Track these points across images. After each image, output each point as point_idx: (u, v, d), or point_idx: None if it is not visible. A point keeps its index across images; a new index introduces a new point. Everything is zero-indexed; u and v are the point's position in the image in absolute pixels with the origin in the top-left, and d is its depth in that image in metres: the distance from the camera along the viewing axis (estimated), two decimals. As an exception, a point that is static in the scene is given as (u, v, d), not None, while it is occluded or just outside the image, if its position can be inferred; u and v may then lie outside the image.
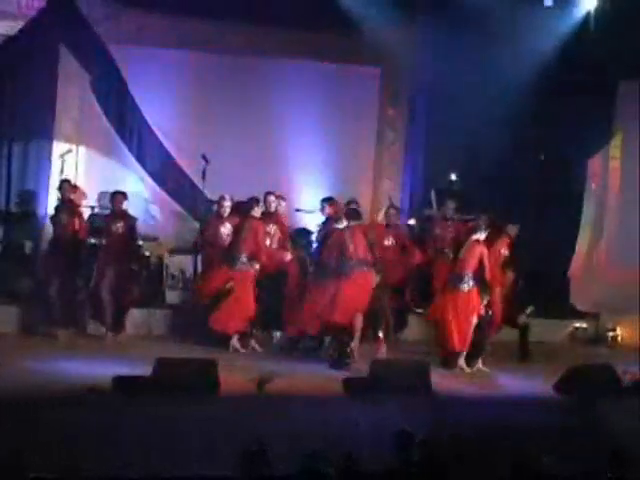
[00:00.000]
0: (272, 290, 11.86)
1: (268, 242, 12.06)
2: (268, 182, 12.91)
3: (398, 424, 7.60)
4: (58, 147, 13.18)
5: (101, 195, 13.01)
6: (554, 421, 9.23)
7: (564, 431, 8.94)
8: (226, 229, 12.21)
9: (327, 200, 12.35)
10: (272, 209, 12.41)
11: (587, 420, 9.38)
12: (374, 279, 11.23)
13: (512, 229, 12.33)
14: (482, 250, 11.14)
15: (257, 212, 11.76)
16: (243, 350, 11.46)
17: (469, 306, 11.06)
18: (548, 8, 13.73)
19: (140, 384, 9.11)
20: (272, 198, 12.43)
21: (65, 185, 12.37)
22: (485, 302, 11.17)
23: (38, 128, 13.10)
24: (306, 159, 14.02)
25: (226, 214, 12.29)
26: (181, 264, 12.95)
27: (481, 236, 11.27)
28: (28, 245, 12.77)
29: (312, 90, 14.13)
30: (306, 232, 12.86)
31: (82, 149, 13.46)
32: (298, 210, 13.05)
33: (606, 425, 9.20)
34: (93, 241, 12.28)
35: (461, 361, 11.10)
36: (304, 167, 13.97)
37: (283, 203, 12.71)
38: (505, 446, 7.41)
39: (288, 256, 12.11)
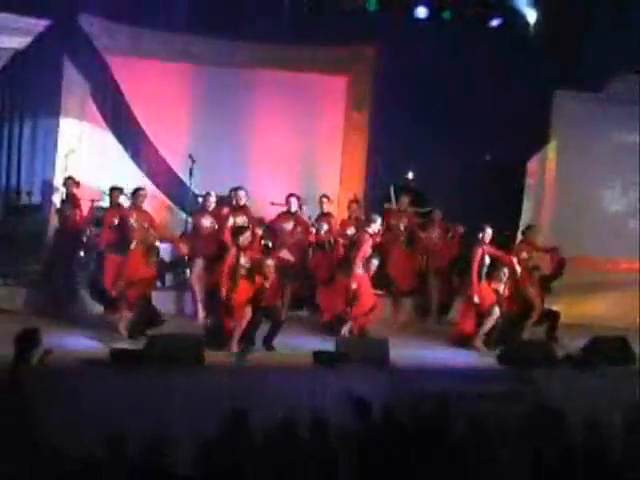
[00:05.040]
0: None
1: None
2: (244, 179, 13.41)
3: (360, 392, 8.12)
4: (63, 148, 13.65)
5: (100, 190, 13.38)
6: (498, 388, 9.93)
7: (507, 396, 9.69)
8: (208, 221, 12.66)
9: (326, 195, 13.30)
10: (241, 203, 12.78)
11: (526, 387, 10.00)
12: None
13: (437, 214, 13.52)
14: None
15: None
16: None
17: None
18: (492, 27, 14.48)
19: (134, 356, 9.49)
20: (242, 193, 12.76)
21: (69, 181, 12.92)
22: None
23: (44, 131, 13.57)
24: (279, 159, 14.55)
25: (211, 208, 12.69)
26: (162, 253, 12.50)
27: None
28: (37, 234, 13.10)
29: (285, 96, 14.65)
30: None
31: (84, 150, 13.87)
32: (273, 204, 13.43)
33: (542, 391, 9.88)
34: (94, 230, 12.66)
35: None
36: (277, 166, 14.47)
37: (304, 207, 13.10)
38: (454, 410, 7.72)
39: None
